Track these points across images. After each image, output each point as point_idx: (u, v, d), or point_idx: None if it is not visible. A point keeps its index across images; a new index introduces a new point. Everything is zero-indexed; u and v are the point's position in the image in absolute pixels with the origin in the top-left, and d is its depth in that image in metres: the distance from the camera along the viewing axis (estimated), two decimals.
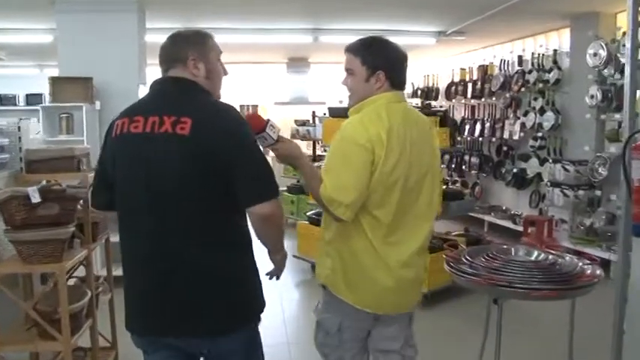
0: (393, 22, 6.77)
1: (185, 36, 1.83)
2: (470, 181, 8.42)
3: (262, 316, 1.90)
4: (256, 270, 1.86)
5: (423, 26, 7.06)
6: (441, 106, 7.53)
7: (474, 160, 8.09)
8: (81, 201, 2.69)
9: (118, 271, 5.05)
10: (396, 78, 2.05)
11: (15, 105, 9.91)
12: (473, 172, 8.15)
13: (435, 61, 9.78)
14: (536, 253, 2.59)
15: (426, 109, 4.89)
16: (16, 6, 5.48)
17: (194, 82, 1.78)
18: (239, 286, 1.78)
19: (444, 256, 2.58)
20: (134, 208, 1.73)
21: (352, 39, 2.10)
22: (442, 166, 8.62)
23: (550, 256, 2.52)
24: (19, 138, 2.74)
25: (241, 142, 1.70)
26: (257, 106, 11.57)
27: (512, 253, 2.61)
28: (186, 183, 1.65)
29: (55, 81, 4.86)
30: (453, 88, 8.67)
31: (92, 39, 5.14)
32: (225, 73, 1.91)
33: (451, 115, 8.06)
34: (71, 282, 2.99)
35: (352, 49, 2.05)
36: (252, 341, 1.88)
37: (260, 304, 1.87)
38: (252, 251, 1.84)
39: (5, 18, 6.12)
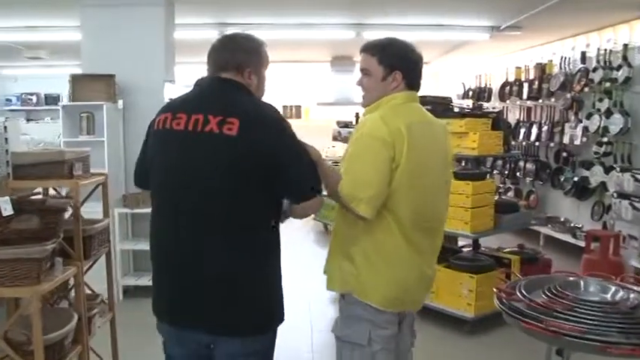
0: (442, 16, 6.26)
1: (242, 44, 1.83)
2: (524, 189, 7.77)
3: (287, 330, 1.91)
4: (280, 279, 1.85)
5: (475, 20, 6.48)
6: (493, 108, 6.93)
7: (530, 166, 7.44)
8: (69, 212, 2.34)
9: (142, 280, 4.86)
10: (412, 78, 2.02)
11: (58, 104, 9.89)
12: (528, 179, 7.50)
13: (487, 59, 9.17)
14: (612, 289, 2.07)
15: (477, 111, 4.37)
16: (45, 2, 5.28)
17: (241, 83, 1.78)
18: (263, 292, 1.77)
19: (494, 290, 2.09)
20: (171, 204, 1.75)
21: (397, 35, 2.06)
22: (494, 172, 8.03)
23: (632, 295, 1.99)
24: (6, 139, 2.41)
25: (288, 142, 1.73)
26: (300, 106, 11.26)
27: (582, 289, 2.10)
28: (231, 183, 1.66)
29: (75, 79, 4.59)
30: (508, 88, 8.03)
31: (117, 35, 4.85)
32: None
33: (505, 117, 7.44)
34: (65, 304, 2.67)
35: (368, 49, 2.02)
36: (269, 348, 1.85)
37: (281, 314, 1.85)
38: (279, 259, 1.85)
39: (37, 15, 5.96)
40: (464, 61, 9.82)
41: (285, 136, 1.73)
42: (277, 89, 11.26)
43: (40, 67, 9.73)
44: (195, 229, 1.69)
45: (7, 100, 11.48)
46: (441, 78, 11.20)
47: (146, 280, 4.80)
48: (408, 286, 1.97)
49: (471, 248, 4.44)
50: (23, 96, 10.91)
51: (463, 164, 4.49)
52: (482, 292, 3.85)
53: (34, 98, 10.86)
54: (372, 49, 2.00)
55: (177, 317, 1.76)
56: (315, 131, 9.73)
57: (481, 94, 8.96)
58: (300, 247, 6.66)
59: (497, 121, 4.18)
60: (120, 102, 4.70)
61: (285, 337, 1.85)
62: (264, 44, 1.87)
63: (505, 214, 4.20)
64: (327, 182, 1.88)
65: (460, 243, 4.60)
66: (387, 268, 1.93)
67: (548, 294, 1.97)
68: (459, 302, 3.92)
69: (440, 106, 4.33)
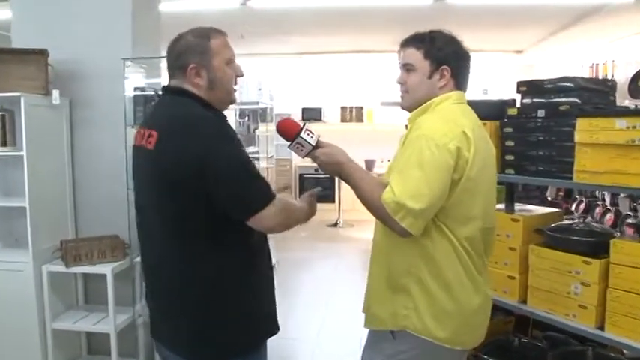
0: None
1: (185, 40, 1.66)
2: None
3: None
4: (242, 304, 1.66)
5: None
6: None
7: None
8: None
9: None
10: (462, 76, 1.79)
11: None
12: None
13: (604, 44, 7.00)
14: None
15: None
16: None
17: (184, 92, 1.65)
18: (219, 312, 1.63)
19: None
20: (137, 221, 1.80)
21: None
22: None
23: None
24: None
25: (209, 156, 1.54)
26: (362, 108, 9.56)
27: None
28: (156, 198, 1.63)
29: None
30: None
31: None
32: (240, 75, 1.74)
33: None
34: None
35: (412, 42, 1.80)
36: None
37: (241, 341, 1.67)
38: (250, 270, 1.69)
39: None
40: (569, 48, 7.66)
41: (215, 148, 1.54)
42: (333, 87, 9.50)
43: None
44: (151, 246, 1.72)
45: None
46: (535, 72, 8.95)
47: None
48: (476, 315, 1.73)
49: None
50: None
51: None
52: None
53: None
54: (417, 41, 1.78)
55: (156, 333, 1.78)
56: (380, 137, 7.87)
57: None
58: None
59: None
60: (55, 93, 2.96)
61: None
62: (216, 35, 1.66)
63: None
64: (363, 193, 1.67)
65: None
66: (450, 298, 1.68)
67: None
68: None
69: (597, 96, 2.32)
